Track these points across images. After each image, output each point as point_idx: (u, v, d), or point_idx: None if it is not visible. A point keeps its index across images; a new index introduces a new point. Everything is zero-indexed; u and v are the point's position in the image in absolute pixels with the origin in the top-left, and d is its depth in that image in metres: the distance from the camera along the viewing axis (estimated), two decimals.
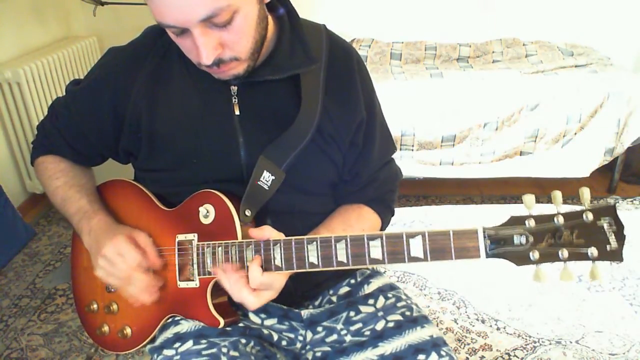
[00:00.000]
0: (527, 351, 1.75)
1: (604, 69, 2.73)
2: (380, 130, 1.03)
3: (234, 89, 0.92)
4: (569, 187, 2.81)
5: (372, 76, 1.04)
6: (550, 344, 1.77)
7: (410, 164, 2.60)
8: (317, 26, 0.98)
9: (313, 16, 0.99)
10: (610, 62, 2.86)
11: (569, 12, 3.07)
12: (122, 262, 0.88)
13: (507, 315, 1.91)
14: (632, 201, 2.72)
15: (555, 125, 2.56)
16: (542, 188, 2.88)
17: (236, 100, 0.92)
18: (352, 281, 1.06)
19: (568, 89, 2.54)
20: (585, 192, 0.69)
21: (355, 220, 1.00)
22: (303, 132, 0.90)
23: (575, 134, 2.57)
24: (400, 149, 2.58)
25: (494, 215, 2.59)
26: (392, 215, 1.08)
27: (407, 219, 2.57)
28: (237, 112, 0.92)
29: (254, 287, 0.82)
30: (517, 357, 1.72)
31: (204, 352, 0.87)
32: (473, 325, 1.87)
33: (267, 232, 0.83)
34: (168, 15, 0.75)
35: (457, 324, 1.88)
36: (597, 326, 1.85)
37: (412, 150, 2.59)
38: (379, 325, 0.93)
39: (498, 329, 1.85)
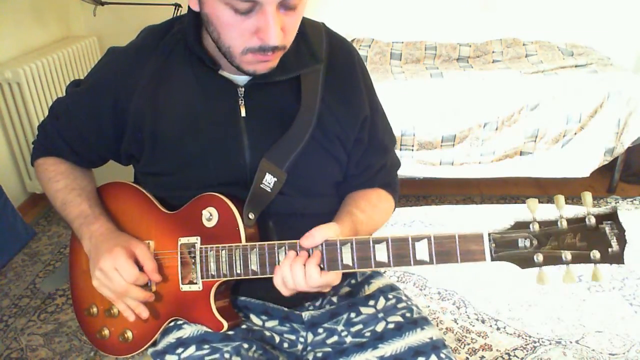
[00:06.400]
0: (527, 351, 1.75)
1: (604, 69, 2.73)
2: (383, 122, 1.05)
3: (241, 90, 0.92)
4: (569, 187, 2.83)
5: (372, 76, 1.05)
6: (550, 344, 1.78)
7: (410, 164, 2.60)
8: (317, 24, 0.98)
9: (313, 16, 0.99)
10: (610, 62, 2.86)
11: (569, 12, 3.07)
12: (118, 277, 0.88)
13: (507, 315, 1.92)
14: (632, 201, 2.72)
15: (555, 125, 2.56)
16: (542, 188, 2.88)
17: (242, 101, 0.92)
18: (353, 281, 1.06)
19: (568, 89, 2.54)
20: (588, 197, 0.71)
21: (377, 200, 1.02)
22: (302, 132, 0.90)
23: (575, 134, 2.57)
24: (400, 149, 2.58)
25: (494, 215, 2.59)
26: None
27: (407, 219, 2.57)
28: (243, 114, 0.92)
29: (314, 286, 0.81)
30: (517, 357, 1.73)
31: (206, 358, 0.86)
32: (473, 325, 1.87)
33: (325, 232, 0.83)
34: None
35: (457, 324, 1.88)
36: (597, 326, 1.85)
37: (412, 150, 2.59)
38: (379, 327, 0.94)
39: (498, 329, 1.85)
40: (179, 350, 0.90)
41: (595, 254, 0.71)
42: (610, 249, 0.70)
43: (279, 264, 0.84)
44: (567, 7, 3.06)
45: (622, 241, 0.70)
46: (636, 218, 2.56)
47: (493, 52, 3.08)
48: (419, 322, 0.94)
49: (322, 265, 0.82)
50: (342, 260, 0.81)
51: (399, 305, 0.97)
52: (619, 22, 3.05)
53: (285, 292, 0.84)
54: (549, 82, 2.61)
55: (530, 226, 0.73)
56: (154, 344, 0.97)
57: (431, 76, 2.77)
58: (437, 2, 3.14)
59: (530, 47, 3.05)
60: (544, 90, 2.55)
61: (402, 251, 0.79)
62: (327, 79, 0.94)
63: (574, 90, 2.53)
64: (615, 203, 2.71)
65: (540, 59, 2.96)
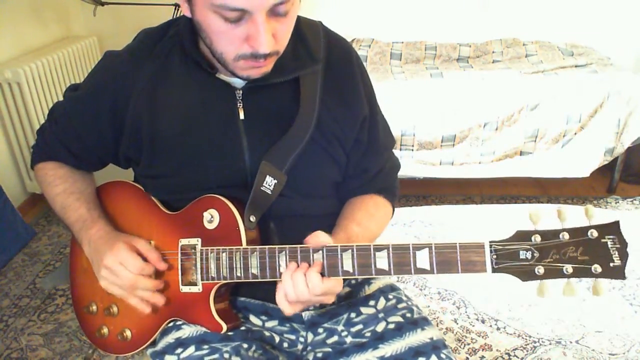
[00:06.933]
0: (527, 351, 1.75)
1: (604, 69, 2.73)
2: (382, 122, 1.04)
3: (239, 93, 0.91)
4: (569, 187, 2.83)
5: (372, 76, 1.05)
6: (550, 344, 1.78)
7: (410, 164, 2.60)
8: (314, 24, 0.98)
9: (313, 16, 0.99)
10: (610, 62, 2.86)
11: (569, 12, 3.07)
12: (124, 271, 0.88)
13: (507, 315, 1.92)
14: (632, 201, 2.72)
15: (555, 125, 2.56)
16: (542, 188, 2.88)
17: (241, 104, 0.91)
18: (353, 281, 1.06)
19: (568, 89, 2.54)
20: (590, 210, 0.71)
21: (374, 209, 1.01)
22: (302, 134, 0.90)
23: (575, 134, 2.57)
24: (400, 149, 2.58)
25: (494, 215, 2.59)
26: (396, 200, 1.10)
27: (407, 219, 2.57)
28: (241, 116, 0.92)
29: (317, 294, 0.81)
30: (517, 357, 1.73)
31: (206, 358, 0.86)
32: (473, 325, 1.87)
33: (322, 238, 0.83)
34: None
35: (457, 324, 1.88)
36: (597, 326, 1.85)
37: (412, 150, 2.59)
38: (380, 327, 0.93)
39: (498, 329, 1.85)
40: (178, 350, 0.90)
41: (597, 268, 0.71)
42: (611, 263, 0.70)
43: (279, 268, 0.84)
44: (567, 7, 3.06)
45: (624, 255, 0.70)
46: (636, 218, 2.56)
47: (493, 52, 3.08)
48: (419, 323, 0.94)
49: (322, 272, 0.82)
50: (342, 267, 0.81)
51: (399, 306, 0.97)
52: (619, 22, 3.05)
53: (287, 309, 0.83)
54: (549, 82, 2.61)
55: (532, 238, 0.73)
56: (153, 344, 0.97)
57: (431, 76, 2.77)
58: (437, 2, 3.14)
59: (530, 47, 3.05)
60: (544, 90, 2.55)
61: (402, 259, 0.79)
62: (325, 79, 0.94)
63: (574, 90, 2.53)
64: (615, 203, 2.71)
65: (540, 59, 2.96)
